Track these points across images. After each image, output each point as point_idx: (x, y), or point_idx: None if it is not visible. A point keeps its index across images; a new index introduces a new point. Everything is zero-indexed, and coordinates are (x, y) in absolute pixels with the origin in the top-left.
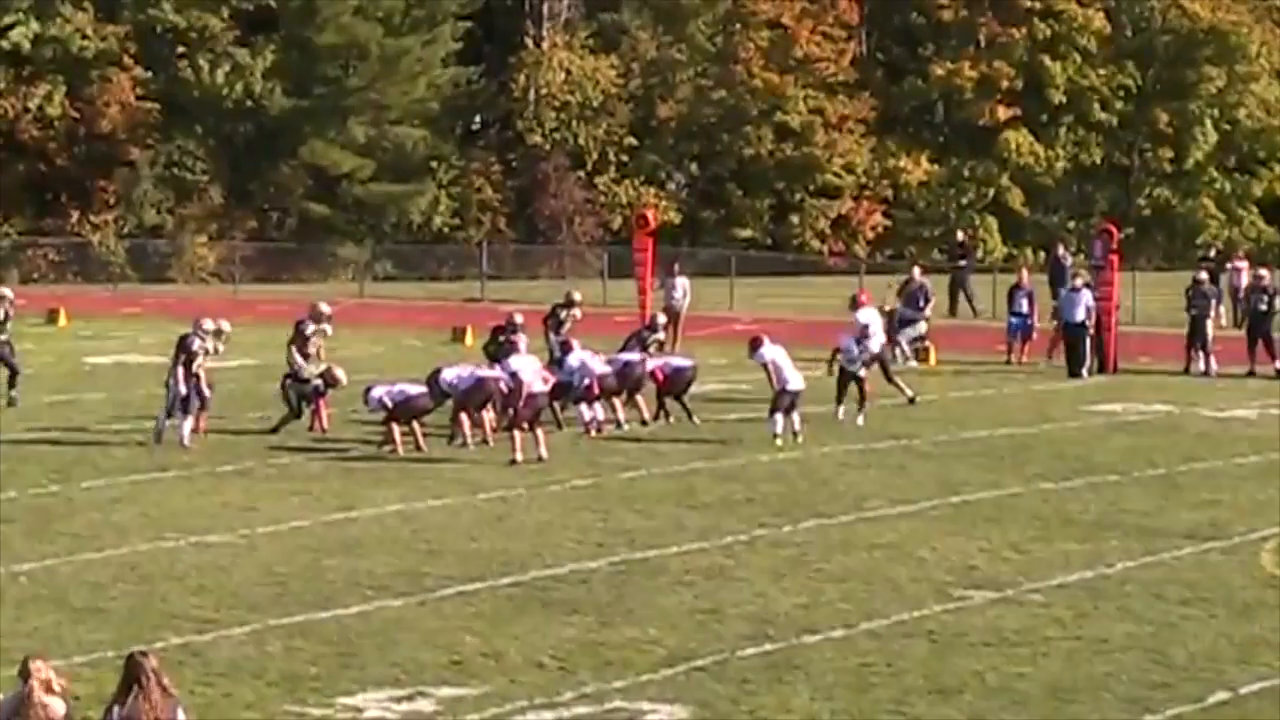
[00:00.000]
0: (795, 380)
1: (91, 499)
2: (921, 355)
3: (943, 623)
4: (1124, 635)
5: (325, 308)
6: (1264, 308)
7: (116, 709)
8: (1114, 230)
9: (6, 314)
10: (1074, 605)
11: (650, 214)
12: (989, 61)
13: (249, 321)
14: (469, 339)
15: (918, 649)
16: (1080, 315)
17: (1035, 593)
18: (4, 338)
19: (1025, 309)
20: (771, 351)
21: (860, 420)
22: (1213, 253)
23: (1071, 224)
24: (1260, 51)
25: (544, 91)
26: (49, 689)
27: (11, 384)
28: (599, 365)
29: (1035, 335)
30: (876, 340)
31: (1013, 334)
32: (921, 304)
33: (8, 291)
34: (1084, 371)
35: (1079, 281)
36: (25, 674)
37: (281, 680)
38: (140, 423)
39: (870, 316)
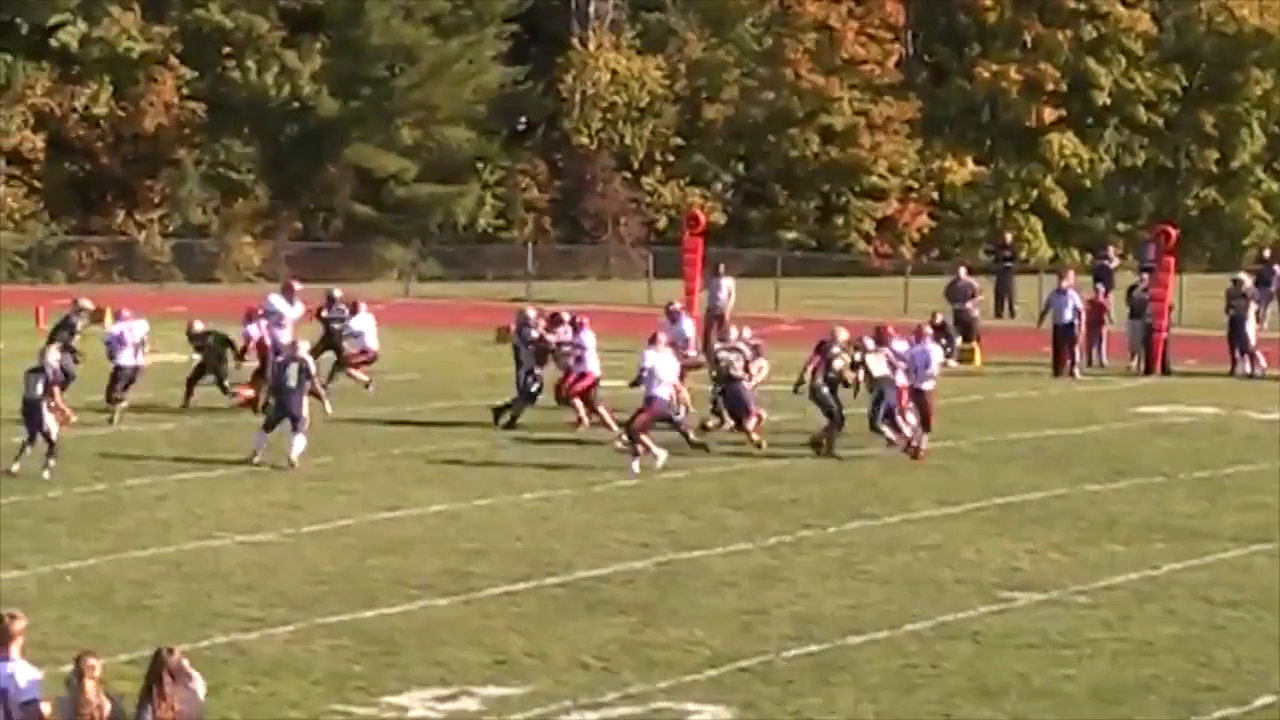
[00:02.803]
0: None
1: (137, 497)
2: (965, 356)
3: (987, 624)
4: (1169, 638)
5: (87, 303)
6: None
7: (140, 706)
8: (1169, 232)
9: (80, 324)
10: (1119, 607)
11: (700, 215)
12: (1034, 63)
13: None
14: None
15: (962, 650)
16: (1069, 316)
17: (1080, 595)
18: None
19: (1070, 317)
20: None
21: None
22: (1266, 253)
23: (1119, 226)
24: None
25: (590, 92)
26: (102, 685)
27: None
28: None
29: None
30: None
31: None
32: (968, 302)
33: (87, 304)
34: (1075, 372)
35: (1066, 283)
36: (80, 670)
37: (326, 679)
38: (185, 421)
39: (904, 347)
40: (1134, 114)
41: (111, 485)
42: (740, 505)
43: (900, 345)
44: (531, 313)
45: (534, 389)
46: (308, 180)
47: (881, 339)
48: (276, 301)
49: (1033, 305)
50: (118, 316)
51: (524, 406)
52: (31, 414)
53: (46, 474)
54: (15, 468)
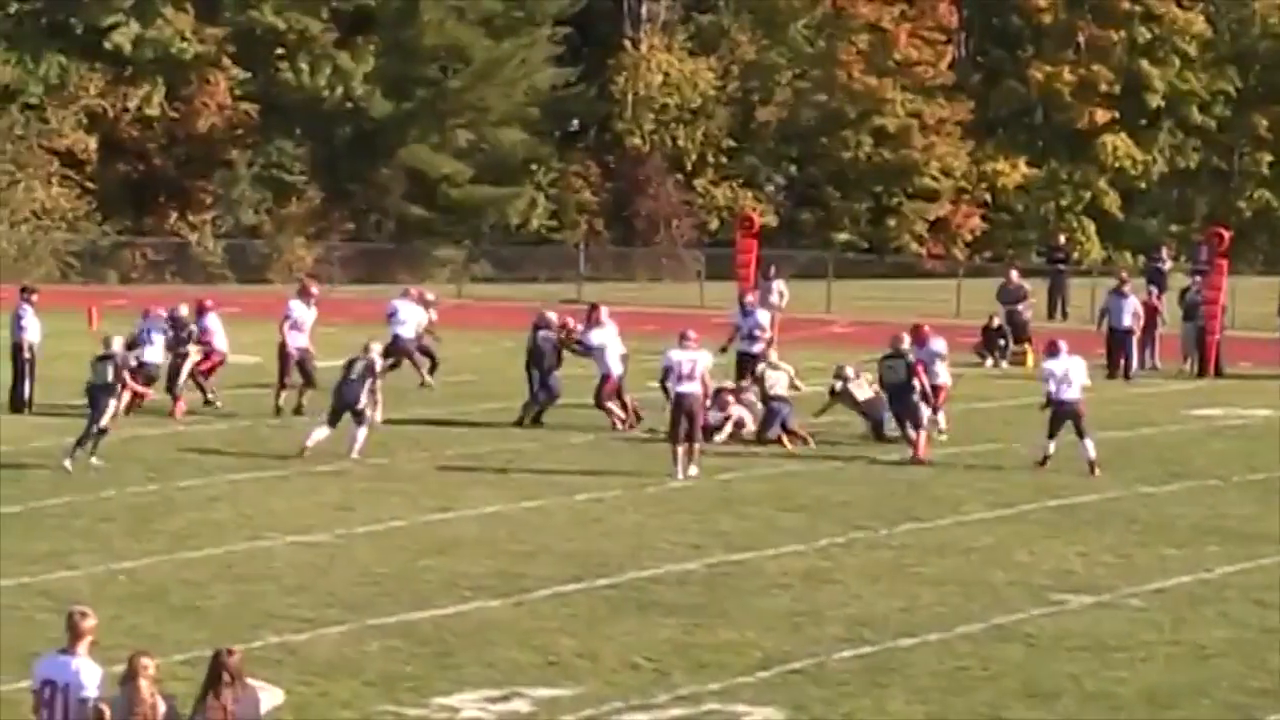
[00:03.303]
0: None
1: (190, 498)
2: (1016, 359)
3: (1040, 627)
4: (1223, 641)
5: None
6: None
7: (196, 706)
8: (1223, 234)
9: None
10: (1173, 610)
11: (752, 216)
12: (1088, 65)
13: (346, 323)
14: None
15: (1014, 653)
16: (1127, 321)
17: (1133, 597)
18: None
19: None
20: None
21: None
22: None
23: (1172, 228)
24: None
25: (642, 94)
26: (155, 685)
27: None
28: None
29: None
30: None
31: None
32: (1020, 304)
33: (185, 309)
34: (1132, 374)
35: (1126, 288)
36: (133, 670)
37: (378, 680)
38: (238, 422)
39: (941, 346)
40: (1187, 116)
41: (164, 486)
42: (792, 507)
43: (939, 345)
44: (552, 315)
45: (545, 388)
46: (360, 181)
47: (920, 339)
48: (295, 306)
49: (1085, 308)
50: (145, 315)
51: (546, 404)
52: (96, 400)
53: (96, 460)
54: (68, 464)
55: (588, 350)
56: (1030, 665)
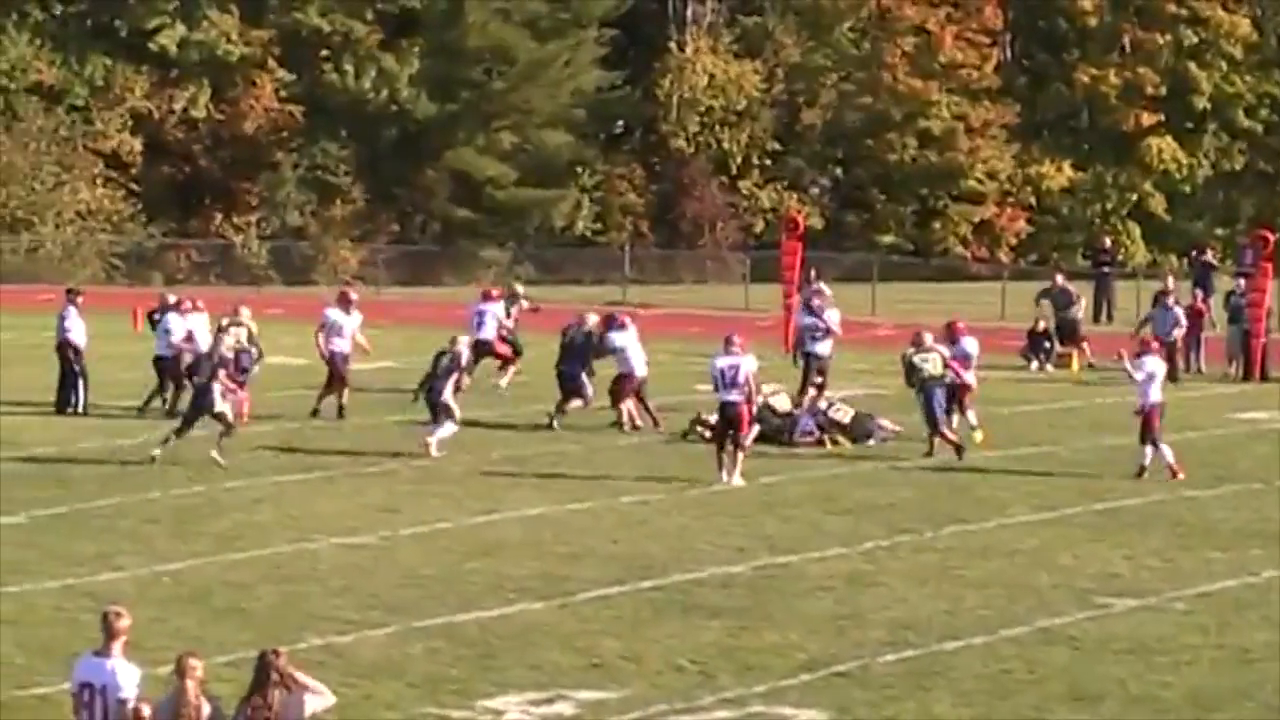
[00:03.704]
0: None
1: (234, 500)
2: (1062, 362)
3: (1084, 630)
4: (1267, 644)
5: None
6: None
7: (242, 706)
8: (1268, 237)
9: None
10: (1217, 614)
11: (798, 218)
12: (1133, 67)
13: (391, 325)
14: None
15: (1059, 656)
16: (1174, 334)
17: (1178, 601)
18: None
19: (1172, 325)
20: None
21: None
22: None
23: (1217, 231)
24: None
25: (687, 96)
26: (202, 685)
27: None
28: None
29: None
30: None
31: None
32: (1071, 308)
33: (245, 313)
34: (1178, 378)
35: (1170, 299)
36: (181, 670)
37: (422, 682)
38: (283, 424)
39: (974, 347)
40: (1233, 118)
41: (209, 487)
42: (836, 510)
43: (971, 344)
44: (593, 316)
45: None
46: (405, 183)
47: (953, 336)
48: (333, 313)
49: (1131, 310)
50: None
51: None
52: (200, 397)
53: (215, 454)
54: (157, 452)
55: (610, 351)
56: (1075, 668)
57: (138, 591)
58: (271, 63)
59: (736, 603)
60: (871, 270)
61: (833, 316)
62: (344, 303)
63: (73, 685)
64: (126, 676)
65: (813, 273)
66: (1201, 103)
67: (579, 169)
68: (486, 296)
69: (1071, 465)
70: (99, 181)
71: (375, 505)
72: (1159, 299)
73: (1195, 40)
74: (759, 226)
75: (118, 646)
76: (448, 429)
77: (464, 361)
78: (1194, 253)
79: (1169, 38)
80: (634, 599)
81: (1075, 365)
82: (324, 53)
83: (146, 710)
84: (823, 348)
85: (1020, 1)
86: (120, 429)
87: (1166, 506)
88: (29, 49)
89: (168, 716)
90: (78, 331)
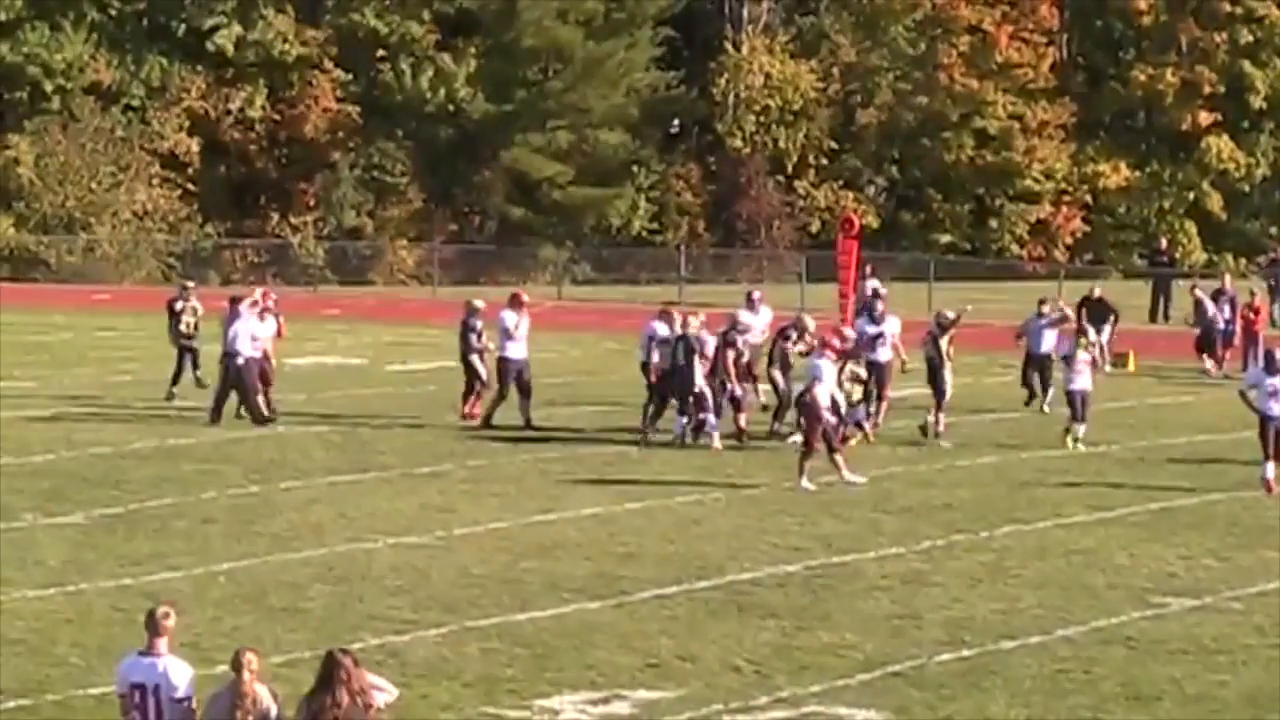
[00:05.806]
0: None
1: (290, 500)
2: (1120, 361)
3: (1141, 630)
4: None
5: (479, 303)
6: None
7: (307, 704)
8: None
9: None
10: (1274, 614)
11: (854, 218)
12: (1190, 67)
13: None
14: None
15: (1115, 656)
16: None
17: (1235, 600)
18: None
19: (1228, 315)
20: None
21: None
22: None
23: (1273, 230)
24: None
25: (743, 96)
26: (259, 680)
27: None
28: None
29: (1236, 341)
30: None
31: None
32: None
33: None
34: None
35: (1228, 291)
36: (237, 665)
37: (478, 682)
38: (338, 424)
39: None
40: None
41: (265, 487)
42: (892, 509)
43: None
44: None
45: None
46: (462, 183)
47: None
48: (507, 317)
49: (1188, 310)
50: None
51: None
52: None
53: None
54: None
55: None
56: (1131, 668)
57: (194, 591)
58: (328, 63)
59: (793, 602)
60: (928, 270)
61: (893, 325)
62: (516, 304)
63: (120, 687)
64: (180, 675)
65: (868, 269)
66: (1258, 102)
67: (635, 168)
68: (516, 302)
69: (1127, 464)
70: (155, 181)
71: (431, 505)
72: (1216, 297)
73: (1252, 39)
74: (815, 226)
75: (164, 645)
76: (711, 419)
77: (697, 346)
78: (1270, 256)
79: (1225, 36)
80: (690, 599)
81: (1132, 364)
82: (380, 53)
83: (197, 709)
84: (883, 354)
85: (1076, 1)
86: (172, 430)
87: (1222, 506)
88: (86, 49)
89: (222, 710)
90: (242, 339)
